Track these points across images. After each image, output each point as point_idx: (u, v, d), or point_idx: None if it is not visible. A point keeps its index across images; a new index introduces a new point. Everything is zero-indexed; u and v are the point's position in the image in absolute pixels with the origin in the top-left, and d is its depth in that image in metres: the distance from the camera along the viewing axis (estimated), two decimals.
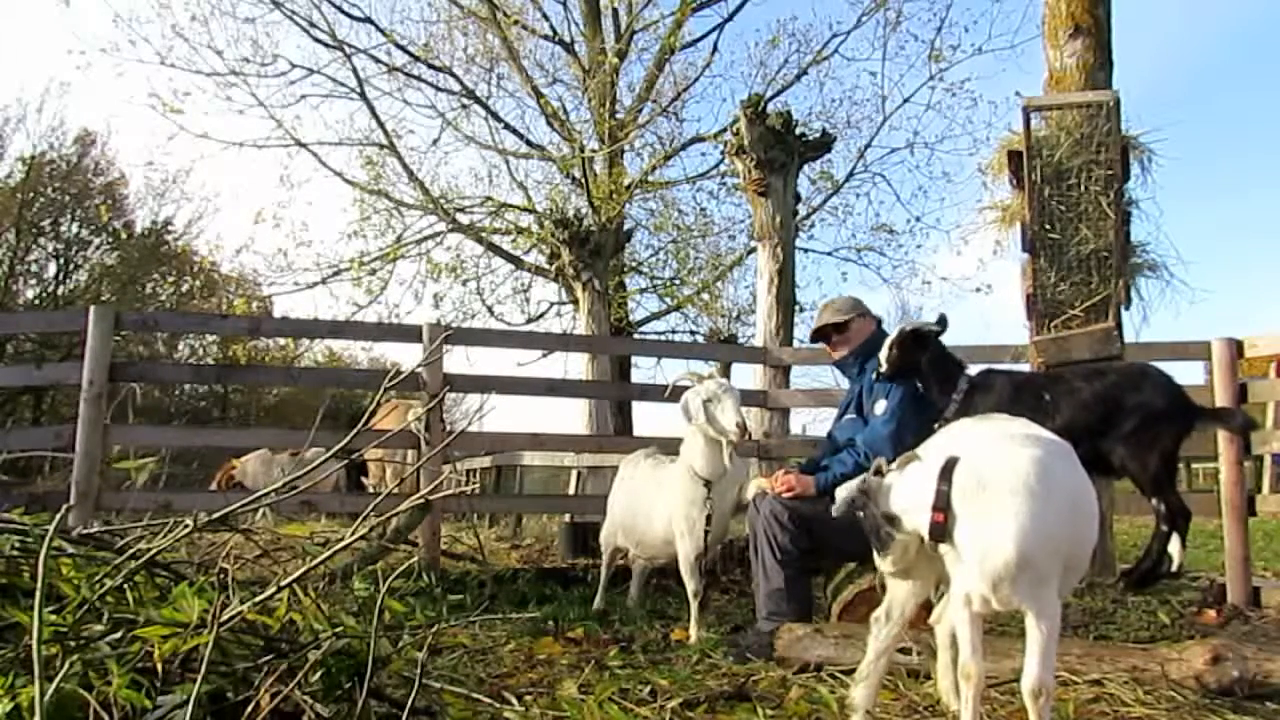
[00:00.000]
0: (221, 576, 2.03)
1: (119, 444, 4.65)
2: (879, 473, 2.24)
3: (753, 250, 10.63)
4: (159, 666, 1.66)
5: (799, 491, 3.30)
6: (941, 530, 2.03)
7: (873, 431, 3.37)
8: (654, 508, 3.82)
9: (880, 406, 3.40)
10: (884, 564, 2.24)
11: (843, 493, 2.25)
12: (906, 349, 3.40)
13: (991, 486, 1.97)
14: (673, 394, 3.78)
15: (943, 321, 3.53)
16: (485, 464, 10.02)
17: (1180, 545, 3.33)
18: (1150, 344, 4.89)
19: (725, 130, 10.96)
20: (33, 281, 18.78)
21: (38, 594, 1.52)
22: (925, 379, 3.47)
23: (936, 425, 3.37)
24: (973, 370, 3.61)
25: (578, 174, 11.94)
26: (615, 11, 12.56)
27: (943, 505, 2.02)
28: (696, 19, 12.66)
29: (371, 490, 8.64)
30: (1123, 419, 3.34)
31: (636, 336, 13.28)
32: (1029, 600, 1.94)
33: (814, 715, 2.36)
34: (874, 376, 3.46)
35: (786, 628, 3.01)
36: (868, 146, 12.94)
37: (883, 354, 3.40)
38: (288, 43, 22.59)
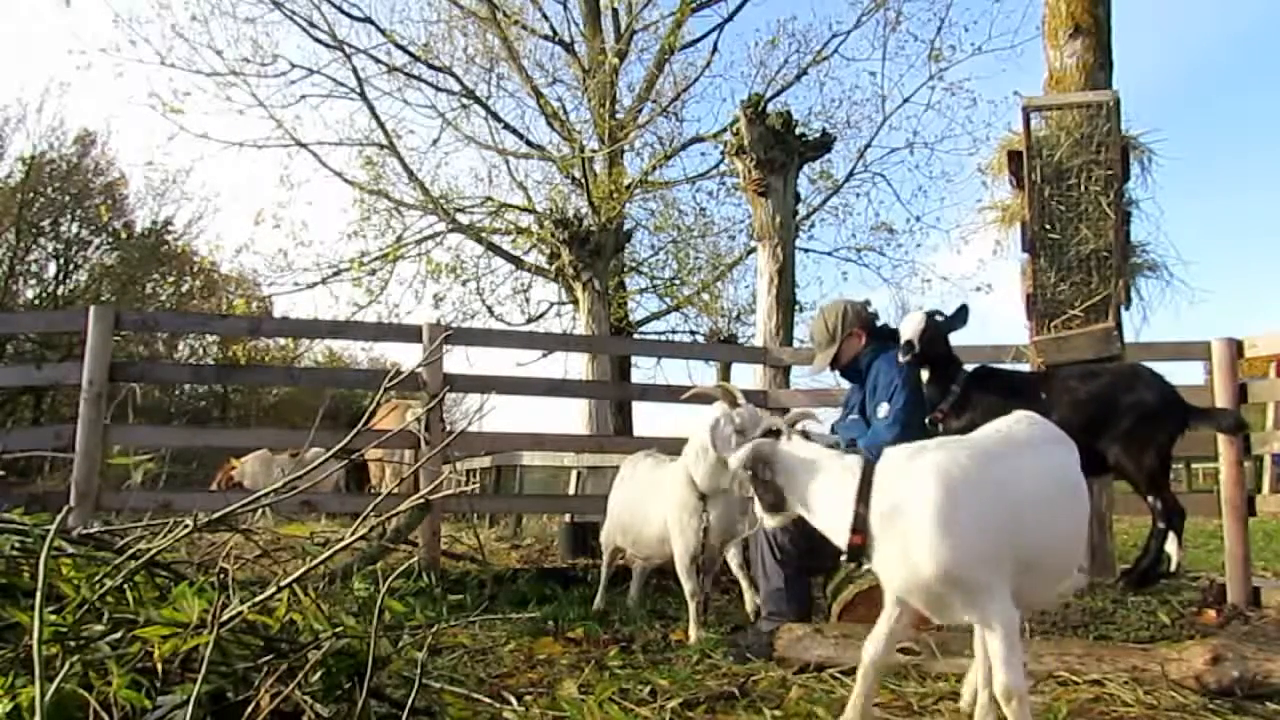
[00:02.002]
0: (221, 576, 2.03)
1: (119, 444, 4.65)
2: (773, 433, 2.24)
3: (753, 250, 10.63)
4: (159, 666, 1.66)
5: None
6: (860, 552, 2.03)
7: (875, 435, 3.35)
8: (650, 508, 3.82)
9: (883, 410, 3.39)
10: (768, 520, 2.29)
11: (742, 452, 2.26)
12: (936, 338, 3.41)
13: (903, 509, 1.98)
14: (691, 398, 3.76)
15: (964, 312, 3.52)
16: (485, 464, 10.01)
17: (1178, 544, 3.34)
18: (1150, 344, 4.89)
19: (725, 130, 10.95)
20: (33, 281, 18.77)
21: (38, 594, 1.52)
22: (930, 371, 3.48)
23: (927, 419, 3.39)
24: (969, 367, 3.62)
25: (578, 174, 11.93)
26: (615, 11, 12.54)
27: (861, 528, 2.03)
28: (696, 19, 12.64)
29: (371, 490, 8.64)
30: (1118, 418, 3.36)
31: (636, 336, 13.26)
32: (969, 613, 1.94)
33: (814, 715, 2.36)
34: (899, 360, 3.43)
35: (786, 628, 3.01)
36: (867, 146, 12.92)
37: (911, 330, 3.37)
38: (288, 43, 22.48)
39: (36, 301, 18.21)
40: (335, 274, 12.26)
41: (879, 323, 3.62)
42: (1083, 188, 4.66)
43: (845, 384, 3.82)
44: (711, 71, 13.07)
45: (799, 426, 2.86)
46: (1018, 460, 2.06)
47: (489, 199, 13.02)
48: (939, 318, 3.47)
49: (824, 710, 2.36)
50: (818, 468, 2.17)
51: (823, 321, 3.63)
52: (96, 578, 1.97)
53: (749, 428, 3.38)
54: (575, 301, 10.40)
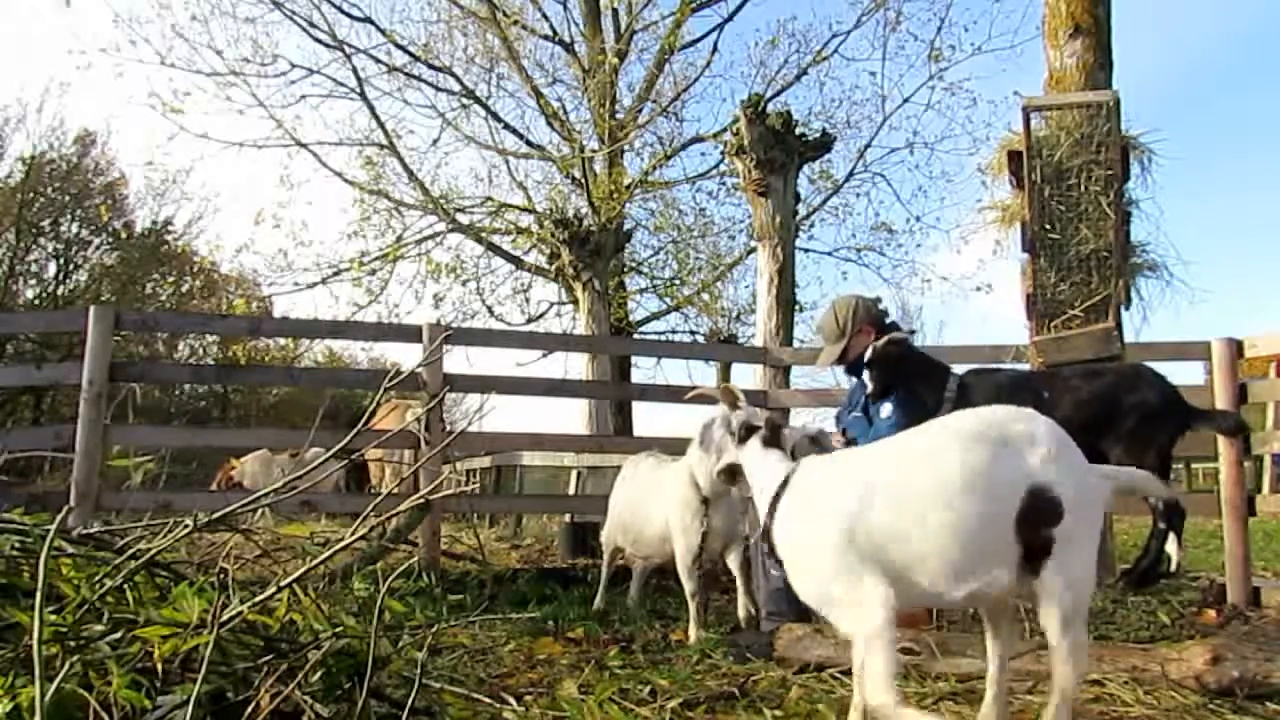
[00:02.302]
0: (221, 576, 2.03)
1: (119, 444, 4.65)
2: (751, 429, 2.36)
3: (753, 250, 10.63)
4: (159, 666, 1.66)
5: None
6: (775, 558, 2.13)
7: (876, 435, 3.34)
8: (652, 507, 3.82)
9: (885, 409, 3.38)
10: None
11: (718, 464, 2.47)
12: (887, 365, 3.38)
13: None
14: (693, 399, 3.75)
15: (895, 326, 3.52)
16: (485, 464, 10.02)
17: (1177, 544, 3.34)
18: (1150, 344, 4.89)
19: (725, 130, 10.95)
20: (33, 281, 18.73)
21: (38, 594, 1.52)
22: (913, 385, 3.45)
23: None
24: (962, 370, 3.61)
25: (578, 174, 11.93)
26: (615, 11, 12.55)
27: (767, 539, 2.12)
28: (696, 19, 12.64)
29: (371, 490, 8.64)
30: (1121, 418, 3.36)
31: (636, 336, 13.26)
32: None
33: (814, 715, 2.36)
34: (863, 397, 3.44)
35: (786, 628, 3.01)
36: (867, 146, 12.93)
37: (866, 376, 3.39)
38: (288, 43, 22.46)
39: (36, 301, 18.18)
40: (335, 274, 12.27)
41: (888, 319, 3.60)
42: (1083, 188, 4.67)
43: (845, 383, 3.82)
44: (711, 71, 13.10)
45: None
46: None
47: (489, 199, 13.03)
48: (895, 338, 3.43)
49: (824, 710, 2.36)
50: (758, 476, 2.27)
51: (833, 316, 3.59)
52: (96, 578, 1.97)
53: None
54: (575, 301, 10.40)
